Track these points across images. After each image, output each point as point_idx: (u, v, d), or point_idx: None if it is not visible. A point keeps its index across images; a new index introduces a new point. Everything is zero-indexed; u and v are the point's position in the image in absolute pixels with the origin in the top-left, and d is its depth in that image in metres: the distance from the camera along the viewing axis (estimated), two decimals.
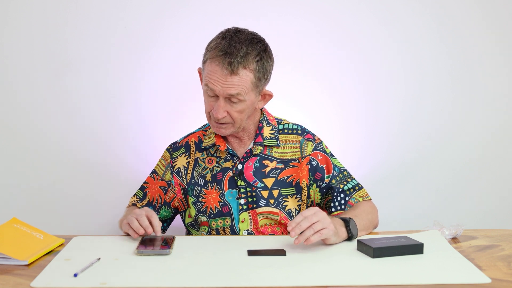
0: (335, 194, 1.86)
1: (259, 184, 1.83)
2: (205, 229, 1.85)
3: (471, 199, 2.43)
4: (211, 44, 1.73)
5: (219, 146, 1.84)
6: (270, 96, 1.81)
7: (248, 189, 1.83)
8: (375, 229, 1.82)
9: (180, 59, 2.32)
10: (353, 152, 2.36)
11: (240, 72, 1.68)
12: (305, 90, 2.36)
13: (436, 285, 1.35)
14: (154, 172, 1.94)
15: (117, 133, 2.35)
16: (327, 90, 2.38)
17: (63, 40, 2.30)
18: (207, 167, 1.86)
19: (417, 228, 1.77)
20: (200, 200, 1.85)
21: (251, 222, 1.82)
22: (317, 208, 1.59)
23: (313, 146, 1.87)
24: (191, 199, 1.87)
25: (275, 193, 1.83)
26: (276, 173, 1.84)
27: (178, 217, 1.99)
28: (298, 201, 1.85)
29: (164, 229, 1.92)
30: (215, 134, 1.85)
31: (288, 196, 1.84)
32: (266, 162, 1.85)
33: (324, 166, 1.87)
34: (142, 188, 1.94)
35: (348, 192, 1.86)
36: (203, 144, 1.88)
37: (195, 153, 1.89)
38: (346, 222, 1.64)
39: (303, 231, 1.54)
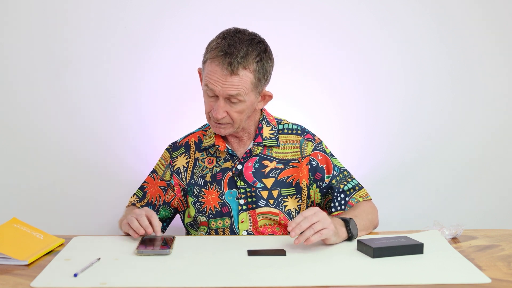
0: (335, 194, 1.86)
1: (258, 185, 1.83)
2: (204, 229, 1.85)
3: (471, 199, 2.43)
4: (211, 44, 1.73)
5: (219, 146, 1.84)
6: (270, 97, 1.80)
7: (248, 190, 1.83)
8: (375, 229, 1.82)
9: (180, 59, 2.32)
10: (353, 152, 2.36)
11: (240, 72, 1.68)
12: (305, 90, 2.36)
13: (436, 285, 1.35)
14: (153, 171, 1.94)
15: (117, 133, 2.35)
16: (327, 90, 2.38)
17: (63, 40, 2.30)
18: (207, 167, 1.86)
19: (417, 228, 1.77)
20: (199, 200, 1.85)
21: (250, 223, 1.82)
22: (317, 208, 1.59)
23: (313, 146, 1.87)
24: (190, 199, 1.87)
25: (275, 193, 1.83)
26: (275, 173, 1.84)
27: (177, 217, 1.99)
28: (298, 201, 1.85)
29: (163, 229, 1.92)
30: (215, 134, 1.85)
31: (288, 196, 1.84)
32: (266, 162, 1.85)
33: (324, 166, 1.87)
34: (141, 187, 1.94)
35: (348, 192, 1.86)
36: (203, 144, 1.88)
37: (195, 153, 1.89)
38: (346, 222, 1.64)
39: (303, 231, 1.54)
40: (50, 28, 2.29)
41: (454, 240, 1.69)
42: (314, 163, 1.86)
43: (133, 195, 1.93)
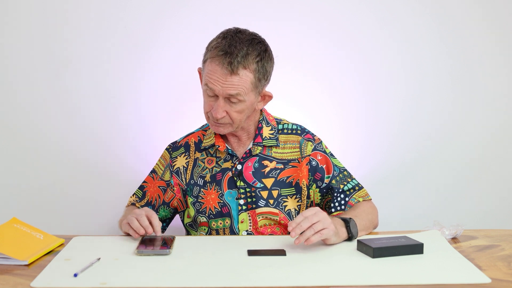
0: (335, 194, 1.86)
1: (258, 185, 1.83)
2: (204, 229, 1.85)
3: (471, 199, 2.43)
4: (212, 44, 1.73)
5: (219, 146, 1.84)
6: (270, 97, 1.80)
7: (248, 190, 1.83)
8: (375, 229, 1.82)
9: (180, 59, 2.32)
10: (353, 152, 2.36)
11: (240, 72, 1.68)
12: (305, 90, 2.36)
13: (436, 285, 1.35)
14: (153, 171, 1.94)
15: (117, 133, 2.34)
16: (327, 90, 2.38)
17: (63, 40, 2.30)
18: (207, 167, 1.86)
19: (417, 228, 1.77)
20: (199, 200, 1.85)
21: (250, 223, 1.82)
22: (317, 208, 1.59)
23: (313, 146, 1.87)
24: (190, 199, 1.87)
25: (275, 193, 1.83)
26: (275, 173, 1.84)
27: (177, 217, 1.99)
28: (297, 202, 1.85)
29: (163, 229, 1.92)
30: (215, 134, 1.85)
31: (288, 197, 1.84)
32: (266, 162, 1.85)
33: (324, 166, 1.86)
34: (141, 187, 1.94)
35: (348, 193, 1.86)
36: (203, 144, 1.88)
37: (195, 153, 1.89)
38: (346, 222, 1.64)
39: (304, 231, 1.54)
40: (50, 28, 2.29)
41: (454, 240, 1.69)
42: (314, 163, 1.86)
43: (133, 195, 1.93)
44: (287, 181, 1.84)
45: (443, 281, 1.37)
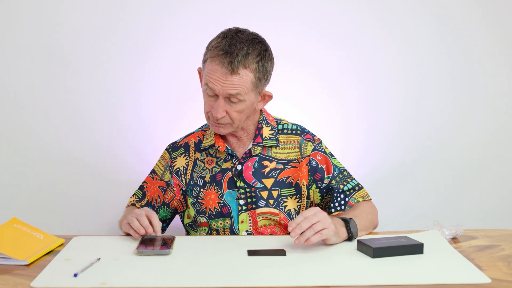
0: (335, 194, 1.86)
1: (258, 185, 1.83)
2: (204, 229, 1.85)
3: (471, 199, 2.43)
4: (212, 43, 1.73)
5: (219, 146, 1.84)
6: (270, 97, 1.80)
7: (248, 190, 1.82)
8: (375, 229, 1.82)
9: (180, 59, 2.32)
10: (353, 152, 2.36)
11: (240, 71, 1.68)
12: (305, 90, 2.36)
13: (436, 285, 1.35)
14: (153, 172, 1.94)
15: (117, 133, 2.34)
16: (327, 90, 2.38)
17: (63, 40, 2.30)
18: (206, 168, 1.86)
19: (417, 228, 1.77)
20: (199, 200, 1.85)
21: (250, 223, 1.82)
22: (317, 208, 1.59)
23: (313, 146, 1.87)
24: (190, 200, 1.87)
25: (275, 193, 1.83)
26: (275, 173, 1.84)
27: (177, 217, 1.99)
28: (297, 202, 1.85)
29: (163, 229, 1.92)
30: (215, 134, 1.85)
31: (288, 197, 1.84)
32: (266, 162, 1.85)
33: (324, 167, 1.86)
34: (141, 187, 1.93)
35: (348, 193, 1.86)
36: (203, 144, 1.88)
37: (195, 153, 1.89)
38: (347, 222, 1.64)
39: (304, 231, 1.54)
40: (49, 28, 2.29)
41: (454, 240, 1.69)
42: (313, 163, 1.86)
43: (133, 195, 1.93)
44: (287, 181, 1.84)
45: (443, 281, 1.37)
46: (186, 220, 1.91)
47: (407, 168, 2.41)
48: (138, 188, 1.94)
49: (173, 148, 1.92)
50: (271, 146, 1.85)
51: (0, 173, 2.33)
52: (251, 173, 1.83)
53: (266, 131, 1.86)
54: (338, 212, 1.84)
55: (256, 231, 1.82)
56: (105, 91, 2.33)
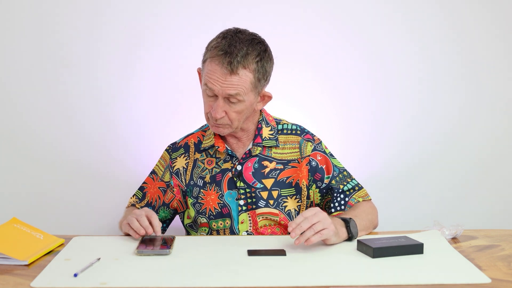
0: (335, 194, 1.86)
1: (258, 185, 1.83)
2: (205, 230, 1.85)
3: (471, 200, 2.42)
4: (211, 43, 1.73)
5: (218, 147, 1.84)
6: (269, 97, 1.80)
7: (248, 190, 1.82)
8: (375, 229, 1.82)
9: (179, 60, 2.32)
10: (353, 152, 2.36)
11: (239, 72, 1.68)
12: (305, 90, 2.36)
13: (436, 285, 1.35)
14: (153, 172, 1.94)
15: (117, 133, 2.34)
16: (327, 90, 2.38)
17: (62, 40, 2.30)
18: (206, 168, 1.86)
19: (417, 228, 1.77)
20: (199, 201, 1.85)
21: (250, 223, 1.82)
22: (317, 208, 1.59)
23: (313, 146, 1.87)
24: (190, 200, 1.87)
25: (275, 193, 1.83)
26: (275, 173, 1.84)
27: (177, 217, 1.99)
28: (297, 202, 1.85)
29: (163, 230, 1.92)
30: (214, 135, 1.85)
31: (288, 197, 1.84)
32: (266, 163, 1.85)
33: (323, 167, 1.86)
34: (141, 188, 1.93)
35: (348, 193, 1.86)
36: (202, 145, 1.88)
37: (194, 154, 1.89)
38: (347, 222, 1.64)
39: (304, 231, 1.54)
40: (49, 28, 2.29)
41: (454, 240, 1.69)
42: (313, 163, 1.86)
43: (133, 196, 1.93)
44: (287, 182, 1.84)
45: (443, 281, 1.37)
46: (186, 221, 1.91)
47: (408, 169, 2.41)
48: (138, 189, 1.94)
49: (173, 148, 1.92)
50: (271, 146, 1.85)
51: (0, 173, 2.33)
52: (251, 173, 1.83)
53: (266, 131, 1.86)
54: (338, 212, 1.84)
55: (256, 231, 1.82)
56: (105, 91, 2.33)
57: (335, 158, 1.90)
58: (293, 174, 1.85)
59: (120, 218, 1.85)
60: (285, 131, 1.89)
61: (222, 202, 1.83)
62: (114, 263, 1.48)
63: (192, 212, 1.86)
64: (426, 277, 1.39)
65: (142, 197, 1.91)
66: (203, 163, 1.87)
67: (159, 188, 1.91)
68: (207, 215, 1.84)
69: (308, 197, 1.86)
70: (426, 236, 1.66)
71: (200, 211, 1.84)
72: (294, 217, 1.84)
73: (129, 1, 2.30)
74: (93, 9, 2.29)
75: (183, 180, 1.87)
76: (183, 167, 1.88)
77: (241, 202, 1.82)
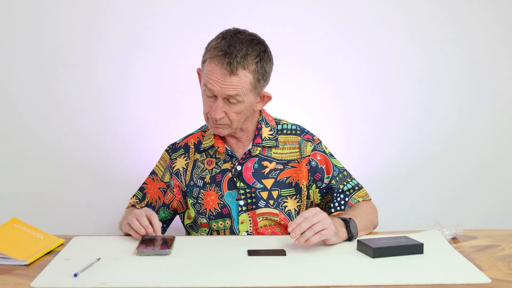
0: (335, 194, 1.86)
1: (258, 185, 1.82)
2: (205, 230, 1.85)
3: (471, 200, 2.42)
4: (211, 44, 1.73)
5: (218, 147, 1.84)
6: (269, 98, 1.80)
7: (248, 190, 1.82)
8: (375, 229, 1.82)
9: (179, 60, 2.32)
10: (353, 152, 2.36)
11: (239, 72, 1.68)
12: (305, 90, 2.36)
13: (436, 285, 1.35)
14: (153, 173, 1.94)
15: (116, 134, 2.34)
16: (327, 90, 2.38)
17: (62, 40, 2.30)
18: (206, 169, 1.86)
19: (417, 228, 1.77)
20: (199, 201, 1.85)
21: (250, 223, 1.82)
22: (317, 208, 1.59)
23: (312, 146, 1.87)
24: (190, 201, 1.87)
25: (275, 194, 1.83)
26: (275, 174, 1.84)
27: (177, 217, 1.99)
28: (297, 202, 1.85)
29: (163, 230, 1.91)
30: (214, 135, 1.85)
31: (288, 197, 1.84)
32: (265, 163, 1.84)
33: (323, 167, 1.86)
34: (141, 189, 1.93)
35: (348, 193, 1.86)
36: (202, 145, 1.88)
37: (194, 154, 1.89)
38: (347, 222, 1.64)
39: (304, 232, 1.54)
40: (49, 28, 2.29)
41: (454, 240, 1.69)
42: (313, 163, 1.86)
43: (133, 196, 1.93)
44: (286, 182, 1.84)
45: (443, 281, 1.37)
46: (186, 221, 1.91)
47: (408, 169, 2.41)
48: (138, 189, 1.93)
49: (172, 149, 1.92)
50: (270, 147, 1.85)
51: (0, 173, 2.33)
52: (250, 173, 1.83)
53: (265, 132, 1.86)
54: (338, 212, 1.84)
55: (256, 231, 1.82)
56: (105, 91, 2.33)
57: (335, 158, 1.90)
58: (293, 174, 1.85)
59: (120, 219, 1.84)
60: (284, 131, 1.88)
61: (222, 202, 1.83)
62: (114, 263, 1.48)
63: (192, 212, 1.86)
64: (426, 277, 1.39)
65: (142, 197, 1.91)
66: (203, 164, 1.87)
67: (159, 188, 1.90)
68: (207, 216, 1.84)
69: (308, 197, 1.86)
70: (426, 236, 1.66)
71: (200, 211, 1.84)
72: (294, 217, 1.84)
73: (129, 1, 2.30)
74: (93, 9, 2.29)
75: (183, 180, 1.87)
76: (183, 168, 1.88)
77: (241, 202, 1.82)
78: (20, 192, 2.34)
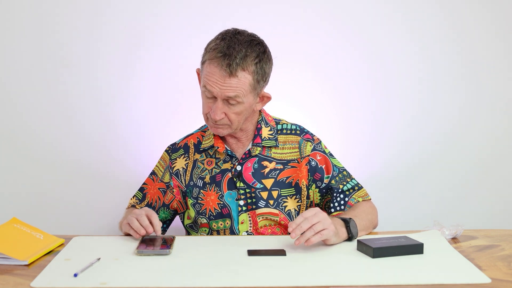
0: (335, 194, 1.85)
1: (258, 185, 1.82)
2: (205, 230, 1.85)
3: (471, 200, 2.42)
4: (210, 45, 1.72)
5: (218, 147, 1.84)
6: (269, 98, 1.80)
7: (247, 190, 1.82)
8: (375, 229, 1.82)
9: (179, 60, 2.32)
10: (353, 152, 2.36)
11: (238, 74, 1.67)
12: (305, 90, 2.36)
13: (436, 285, 1.35)
14: (153, 173, 1.94)
15: (116, 134, 2.34)
16: (327, 90, 2.38)
17: (62, 40, 2.30)
18: (206, 169, 1.86)
19: (417, 228, 1.77)
20: (199, 201, 1.85)
21: (250, 224, 1.82)
22: (317, 209, 1.59)
23: (312, 146, 1.87)
24: (190, 201, 1.87)
25: (275, 194, 1.83)
26: (275, 174, 1.84)
27: (177, 217, 1.99)
28: (297, 202, 1.85)
29: (164, 230, 1.91)
30: (214, 135, 1.85)
31: (288, 197, 1.84)
32: (265, 163, 1.84)
33: (323, 167, 1.86)
34: (141, 189, 1.93)
35: (347, 193, 1.86)
36: (202, 145, 1.88)
37: (194, 154, 1.89)
38: (346, 222, 1.64)
39: (304, 232, 1.54)
40: (49, 28, 2.29)
41: (454, 240, 1.69)
42: (313, 163, 1.86)
43: (133, 197, 1.92)
44: (286, 182, 1.84)
45: (443, 281, 1.37)
46: (186, 221, 1.91)
47: (408, 169, 2.41)
48: (138, 190, 1.93)
49: (172, 149, 1.92)
50: (270, 147, 1.85)
51: (0, 173, 2.33)
52: (250, 173, 1.83)
53: (265, 132, 1.85)
54: (337, 212, 1.84)
55: (256, 231, 1.82)
56: (105, 91, 2.33)
57: (335, 158, 1.90)
58: (292, 174, 1.85)
59: (120, 219, 1.84)
60: (284, 131, 1.88)
61: (222, 202, 1.83)
62: (114, 263, 1.48)
63: (192, 212, 1.86)
64: (426, 277, 1.39)
65: (142, 198, 1.91)
66: (203, 164, 1.87)
67: (159, 189, 1.90)
68: (207, 216, 1.83)
69: (308, 197, 1.86)
70: (426, 236, 1.66)
71: (200, 211, 1.84)
72: (294, 217, 1.84)
73: (129, 1, 2.30)
74: (93, 9, 2.29)
75: (183, 181, 1.87)
76: (183, 168, 1.88)
77: (241, 202, 1.82)
78: (20, 192, 2.34)
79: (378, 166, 2.40)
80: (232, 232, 1.82)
